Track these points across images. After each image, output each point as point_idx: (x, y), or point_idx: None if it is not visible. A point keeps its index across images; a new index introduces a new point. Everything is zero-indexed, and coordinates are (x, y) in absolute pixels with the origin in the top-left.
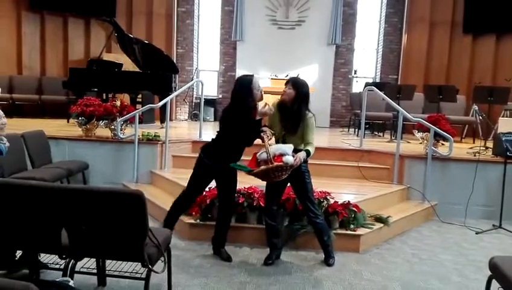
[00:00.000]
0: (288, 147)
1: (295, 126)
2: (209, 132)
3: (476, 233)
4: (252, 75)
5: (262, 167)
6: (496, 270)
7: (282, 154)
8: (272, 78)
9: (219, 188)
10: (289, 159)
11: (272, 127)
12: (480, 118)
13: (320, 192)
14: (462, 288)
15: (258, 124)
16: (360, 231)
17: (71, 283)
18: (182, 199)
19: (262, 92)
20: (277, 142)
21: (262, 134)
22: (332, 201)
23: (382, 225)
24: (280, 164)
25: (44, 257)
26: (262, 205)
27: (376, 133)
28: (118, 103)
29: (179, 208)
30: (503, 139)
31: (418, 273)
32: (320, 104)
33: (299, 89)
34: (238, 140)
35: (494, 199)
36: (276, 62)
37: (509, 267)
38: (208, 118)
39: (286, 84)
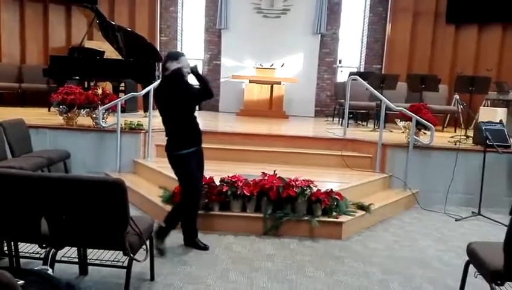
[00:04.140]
0: None
1: None
2: None
3: (456, 220)
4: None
5: None
6: (473, 255)
7: None
8: (256, 68)
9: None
10: None
11: None
12: (462, 107)
13: (303, 180)
14: (442, 273)
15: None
16: (343, 219)
17: (50, 271)
18: (190, 201)
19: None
20: None
21: None
22: (315, 189)
23: (364, 212)
24: None
25: (25, 247)
26: (247, 193)
27: (360, 122)
28: (100, 91)
29: (191, 211)
30: (483, 128)
31: (398, 260)
32: (304, 93)
33: None
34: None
35: (474, 186)
36: (261, 51)
37: (486, 253)
38: None
39: None
